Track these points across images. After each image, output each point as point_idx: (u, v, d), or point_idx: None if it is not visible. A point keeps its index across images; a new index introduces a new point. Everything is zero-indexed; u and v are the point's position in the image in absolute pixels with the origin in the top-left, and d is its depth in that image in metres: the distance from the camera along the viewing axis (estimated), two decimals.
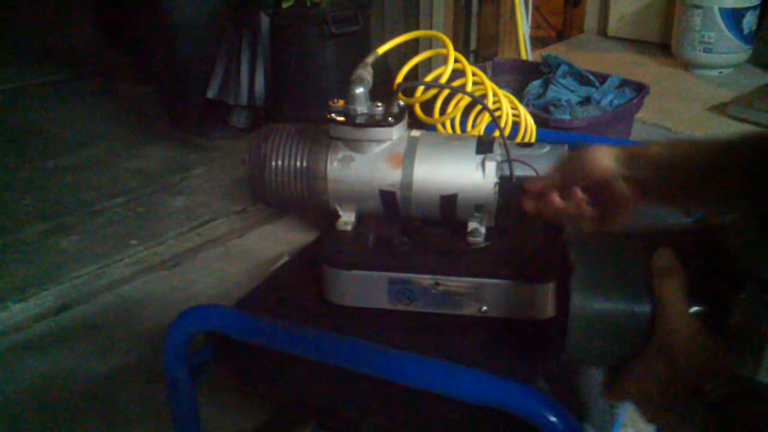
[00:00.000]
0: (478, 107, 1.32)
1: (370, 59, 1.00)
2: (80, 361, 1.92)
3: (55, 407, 1.77)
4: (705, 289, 0.64)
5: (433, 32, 1.32)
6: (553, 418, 0.74)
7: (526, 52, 3.10)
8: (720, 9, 3.21)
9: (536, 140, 1.37)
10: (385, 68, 1.70)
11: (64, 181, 2.89)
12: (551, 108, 2.34)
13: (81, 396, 1.79)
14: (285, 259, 1.56)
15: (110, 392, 1.80)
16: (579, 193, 0.85)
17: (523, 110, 1.38)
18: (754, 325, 0.62)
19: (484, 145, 0.95)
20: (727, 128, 2.75)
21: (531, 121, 1.39)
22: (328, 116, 0.95)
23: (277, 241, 2.47)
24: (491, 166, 0.93)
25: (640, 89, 2.36)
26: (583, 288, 0.64)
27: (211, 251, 2.43)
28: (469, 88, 1.26)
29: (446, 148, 0.96)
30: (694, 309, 0.64)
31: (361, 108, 0.95)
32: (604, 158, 0.84)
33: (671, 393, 0.63)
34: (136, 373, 1.84)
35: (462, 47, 3.19)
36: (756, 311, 0.62)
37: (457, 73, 1.26)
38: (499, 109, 1.34)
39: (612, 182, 0.82)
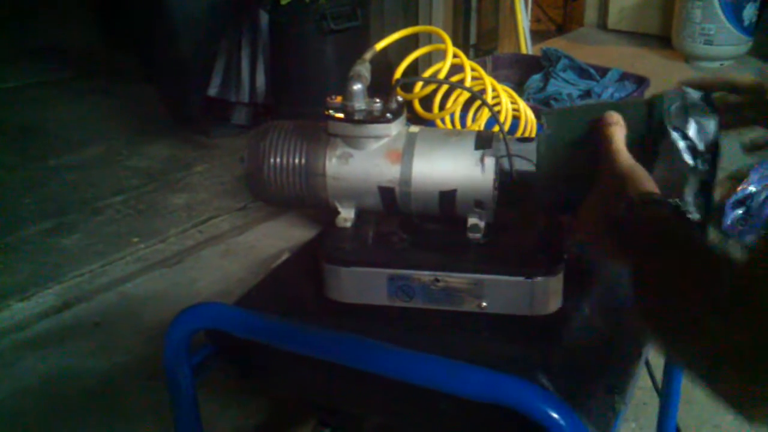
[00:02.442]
0: (478, 102, 1.31)
1: (368, 55, 1.00)
2: (82, 358, 1.92)
3: (56, 405, 1.77)
4: None
5: (430, 27, 1.31)
6: (554, 414, 0.74)
7: (526, 46, 3.09)
8: (720, 1, 3.21)
9: (537, 135, 1.37)
10: (386, 64, 1.70)
11: (65, 179, 2.90)
12: (552, 102, 2.34)
13: (83, 393, 1.80)
14: (286, 255, 1.56)
15: (112, 390, 1.81)
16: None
17: (523, 104, 1.37)
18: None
19: (483, 141, 0.95)
20: None
21: (531, 116, 1.38)
22: (326, 113, 0.95)
23: (279, 237, 2.47)
24: (490, 161, 0.93)
25: (641, 82, 2.36)
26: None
27: (212, 248, 2.44)
28: (468, 83, 1.26)
29: (445, 144, 0.95)
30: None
31: (359, 104, 0.94)
32: None
33: (598, 217, 0.75)
34: (137, 371, 1.84)
35: (462, 42, 3.19)
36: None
37: (457, 68, 1.26)
38: (498, 104, 1.33)
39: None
